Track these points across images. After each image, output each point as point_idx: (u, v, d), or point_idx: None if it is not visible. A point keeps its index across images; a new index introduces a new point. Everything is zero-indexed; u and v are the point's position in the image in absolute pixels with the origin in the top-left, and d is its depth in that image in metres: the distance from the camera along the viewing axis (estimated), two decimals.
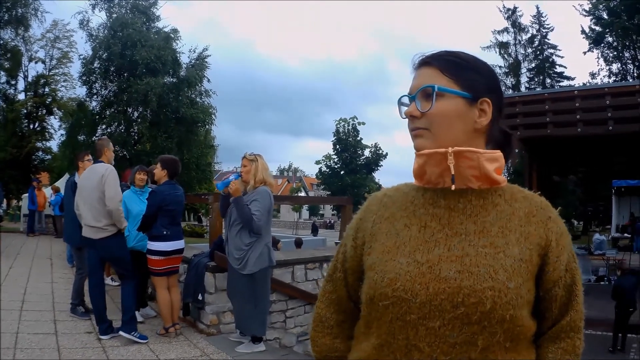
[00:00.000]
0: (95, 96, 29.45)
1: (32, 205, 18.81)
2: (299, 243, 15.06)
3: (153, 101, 26.63)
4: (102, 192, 5.76)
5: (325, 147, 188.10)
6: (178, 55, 30.17)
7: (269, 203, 5.66)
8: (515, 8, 40.27)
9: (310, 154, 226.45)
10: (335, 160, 50.08)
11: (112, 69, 28.71)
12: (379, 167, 50.38)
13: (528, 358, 1.25)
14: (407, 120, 1.34)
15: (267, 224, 5.70)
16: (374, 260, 1.30)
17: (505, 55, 40.51)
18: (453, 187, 1.26)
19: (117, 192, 5.87)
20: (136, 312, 6.72)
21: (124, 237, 6.09)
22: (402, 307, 1.18)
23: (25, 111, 30.23)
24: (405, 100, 1.35)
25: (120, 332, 5.74)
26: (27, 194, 19.81)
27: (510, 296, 1.15)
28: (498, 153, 1.29)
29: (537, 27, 40.55)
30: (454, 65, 1.32)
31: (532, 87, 39.30)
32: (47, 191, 19.81)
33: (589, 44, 34.28)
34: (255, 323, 5.78)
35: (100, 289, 5.99)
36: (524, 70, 40.82)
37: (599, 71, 34.99)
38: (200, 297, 6.47)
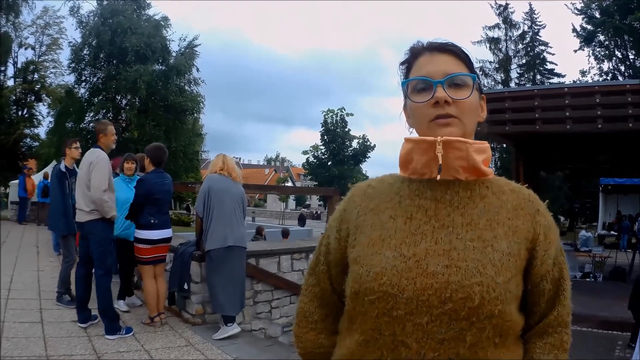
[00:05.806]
0: (84, 83, 29.27)
1: (23, 192, 18.65)
2: (285, 233, 15.00)
3: (142, 89, 26.50)
4: (89, 179, 5.63)
5: (314, 137, 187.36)
6: (168, 43, 30.07)
7: (205, 189, 6.10)
8: (507, 4, 40.47)
9: (298, 143, 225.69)
10: (323, 150, 50.11)
11: (101, 56, 28.54)
12: (366, 159, 50.41)
13: (516, 353, 1.24)
14: (418, 105, 1.28)
15: (215, 208, 6.03)
16: (358, 253, 1.27)
17: (496, 51, 40.74)
18: (438, 177, 1.24)
19: (102, 181, 5.61)
20: (122, 302, 6.71)
21: (110, 223, 5.86)
22: (389, 303, 1.16)
23: (13, 98, 29.84)
24: (416, 83, 1.30)
25: (107, 337, 5.54)
26: (16, 181, 19.61)
27: (499, 291, 1.13)
28: (485, 144, 1.28)
29: (529, 24, 40.72)
30: (468, 59, 1.33)
31: (522, 83, 39.51)
32: (36, 178, 19.62)
33: (580, 42, 34.45)
34: (213, 300, 6.10)
35: (88, 280, 5.89)
36: (514, 66, 41.05)
37: (589, 69, 35.23)
38: (185, 287, 6.44)
